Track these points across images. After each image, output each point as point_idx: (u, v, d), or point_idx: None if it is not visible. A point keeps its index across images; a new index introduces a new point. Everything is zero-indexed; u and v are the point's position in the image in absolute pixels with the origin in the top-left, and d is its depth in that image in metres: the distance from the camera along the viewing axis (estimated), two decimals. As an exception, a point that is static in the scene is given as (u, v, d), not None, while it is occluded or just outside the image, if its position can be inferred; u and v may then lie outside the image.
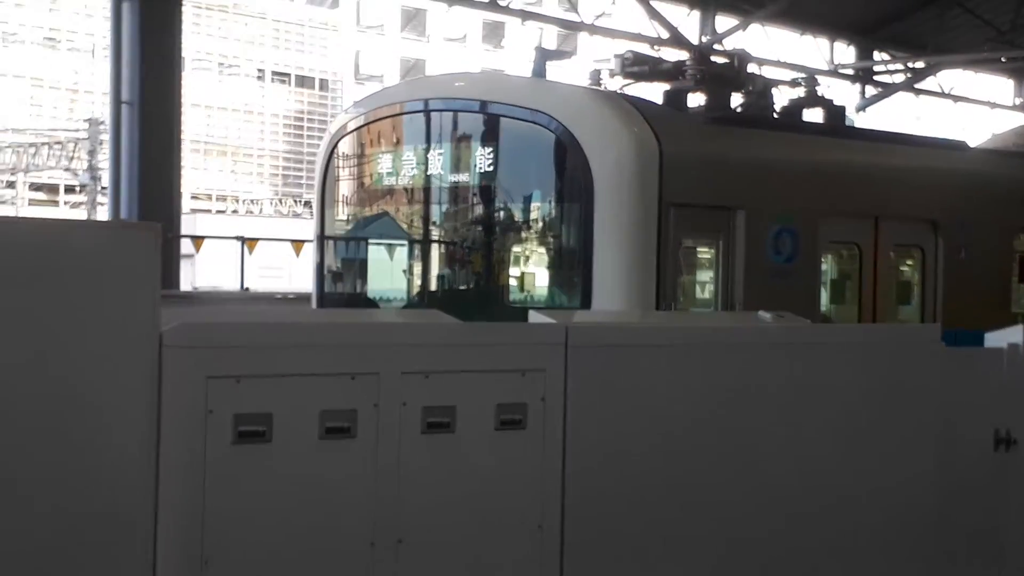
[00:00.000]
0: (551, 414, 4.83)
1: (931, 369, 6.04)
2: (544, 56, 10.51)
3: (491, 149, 9.48)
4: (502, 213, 9.78)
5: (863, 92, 27.48)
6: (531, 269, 9.70)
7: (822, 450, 5.66)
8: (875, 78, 27.50)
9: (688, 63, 10.81)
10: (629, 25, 24.16)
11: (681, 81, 10.38)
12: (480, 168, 9.52)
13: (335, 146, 10.65)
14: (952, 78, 29.07)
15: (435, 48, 61.73)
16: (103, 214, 37.34)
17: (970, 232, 11.13)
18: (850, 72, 26.85)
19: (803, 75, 12.81)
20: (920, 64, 26.75)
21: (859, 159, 10.87)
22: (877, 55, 26.84)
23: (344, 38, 59.69)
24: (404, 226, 10.33)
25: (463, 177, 9.71)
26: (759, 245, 9.55)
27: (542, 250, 9.65)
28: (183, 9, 18.22)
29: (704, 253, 9.88)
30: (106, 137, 22.41)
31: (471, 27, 61.60)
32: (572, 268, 9.18)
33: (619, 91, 10.54)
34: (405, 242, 10.40)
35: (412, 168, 9.95)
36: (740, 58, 11.18)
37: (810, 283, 10.05)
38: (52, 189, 48.82)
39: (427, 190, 9.95)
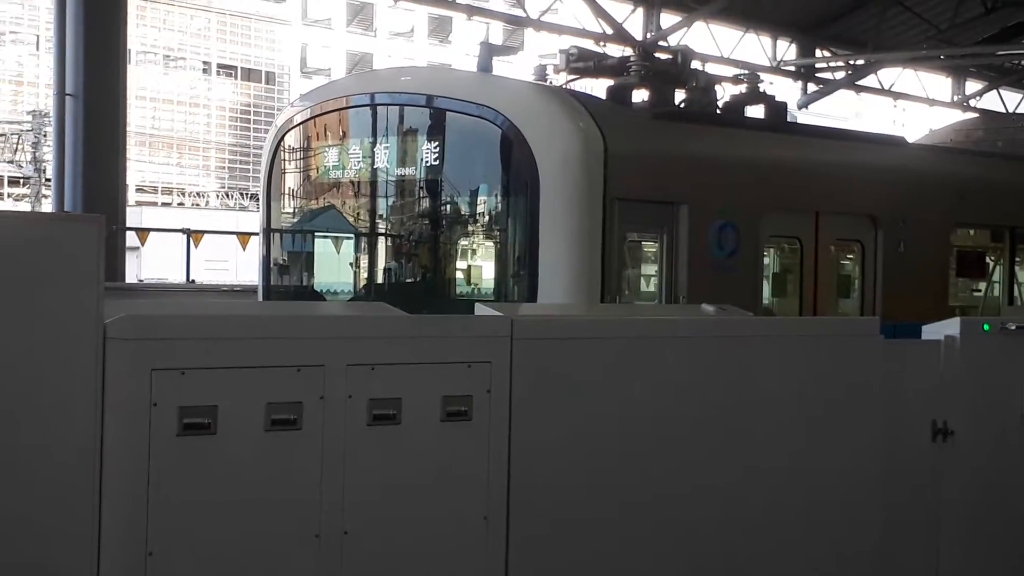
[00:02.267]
0: (496, 406, 4.87)
1: (870, 361, 6.15)
2: (490, 51, 10.53)
3: (437, 143, 9.49)
4: (448, 207, 9.80)
5: (805, 89, 27.71)
6: (477, 262, 9.73)
7: (765, 441, 5.75)
8: (816, 75, 27.75)
9: (632, 59, 10.89)
10: (574, 21, 24.20)
11: (625, 77, 10.45)
12: (426, 162, 9.54)
13: (281, 139, 10.61)
14: (892, 75, 29.41)
15: (382, 43, 61.49)
16: (47, 206, 36.81)
17: (909, 226, 11.31)
18: (792, 69, 27.06)
19: (746, 72, 12.91)
20: (860, 61, 27.00)
21: (800, 155, 11.00)
22: (818, 52, 27.10)
23: (291, 31, 59.31)
24: (350, 219, 10.32)
25: (409, 171, 9.72)
26: (702, 239, 9.65)
27: (488, 244, 9.68)
28: (128, 1, 18.01)
29: (648, 247, 9.97)
30: (50, 129, 22.09)
31: (418, 22, 61.43)
32: (518, 261, 9.23)
33: (564, 86, 10.60)
34: (351, 235, 10.40)
35: (358, 161, 9.94)
36: (684, 54, 11.26)
37: (752, 277, 10.17)
38: (-4, 181, 48.10)
39: (373, 183, 9.95)
